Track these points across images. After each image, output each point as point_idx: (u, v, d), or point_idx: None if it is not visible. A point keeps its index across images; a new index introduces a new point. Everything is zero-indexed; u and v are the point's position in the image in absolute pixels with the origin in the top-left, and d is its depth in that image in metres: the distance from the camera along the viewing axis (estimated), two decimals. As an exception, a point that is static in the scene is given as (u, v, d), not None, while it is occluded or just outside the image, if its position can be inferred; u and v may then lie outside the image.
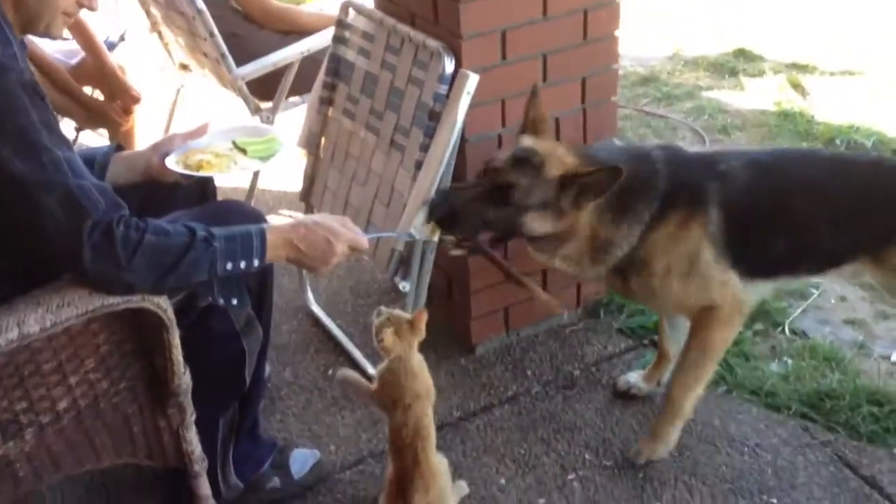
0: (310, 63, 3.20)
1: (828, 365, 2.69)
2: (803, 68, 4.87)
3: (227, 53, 3.20)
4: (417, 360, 2.09)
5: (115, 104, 3.39)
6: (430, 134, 2.35)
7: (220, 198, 2.33)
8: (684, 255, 2.16)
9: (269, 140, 2.16)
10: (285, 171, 3.48)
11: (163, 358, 1.89)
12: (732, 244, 2.16)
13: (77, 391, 1.89)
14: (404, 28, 2.48)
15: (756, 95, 4.64)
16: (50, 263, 1.70)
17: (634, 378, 2.61)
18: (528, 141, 2.18)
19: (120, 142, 3.19)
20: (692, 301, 2.20)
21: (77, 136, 3.64)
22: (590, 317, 2.94)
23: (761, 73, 4.86)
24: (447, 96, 2.33)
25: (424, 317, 2.09)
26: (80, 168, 1.68)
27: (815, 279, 2.41)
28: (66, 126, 3.57)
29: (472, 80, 2.30)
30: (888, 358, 2.76)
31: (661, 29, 5.44)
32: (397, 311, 2.12)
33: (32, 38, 2.82)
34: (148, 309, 1.78)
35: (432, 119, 2.34)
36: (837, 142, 4.05)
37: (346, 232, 1.95)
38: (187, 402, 2.00)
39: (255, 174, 3.47)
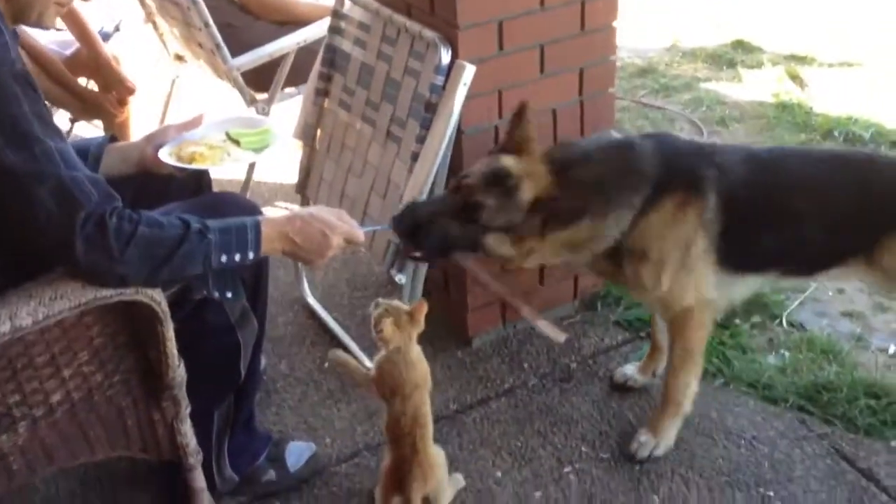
0: (305, 54, 3.19)
1: (825, 357, 2.69)
2: (802, 59, 4.87)
3: (222, 44, 3.18)
4: (416, 351, 2.09)
5: (110, 95, 3.37)
6: (426, 125, 2.34)
7: (215, 189, 2.32)
8: (679, 240, 2.15)
9: (263, 132, 2.15)
10: (281, 163, 3.47)
11: (157, 351, 1.89)
12: (724, 235, 2.15)
13: (70, 384, 1.88)
14: (400, 18, 2.46)
15: (754, 87, 4.63)
16: (43, 255, 1.69)
17: (631, 370, 2.60)
18: (507, 161, 2.14)
19: (115, 133, 3.18)
20: (674, 297, 2.20)
21: (72, 128, 3.63)
22: (587, 309, 2.93)
23: (759, 65, 4.85)
24: (443, 87, 2.32)
25: (424, 308, 2.08)
26: (72, 159, 1.66)
27: (804, 280, 2.39)
28: (61, 117, 3.56)
29: (469, 71, 2.29)
30: (886, 350, 2.75)
31: (660, 20, 5.42)
32: (396, 302, 2.11)
33: (26, 29, 2.81)
34: (142, 301, 1.77)
35: (429, 110, 2.33)
36: (836, 133, 4.04)
37: (342, 225, 1.93)
38: (182, 394, 1.99)
39: (251, 166, 3.46)
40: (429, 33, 2.35)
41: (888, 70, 4.64)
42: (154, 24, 3.62)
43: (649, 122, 4.32)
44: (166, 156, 2.03)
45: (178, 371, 1.94)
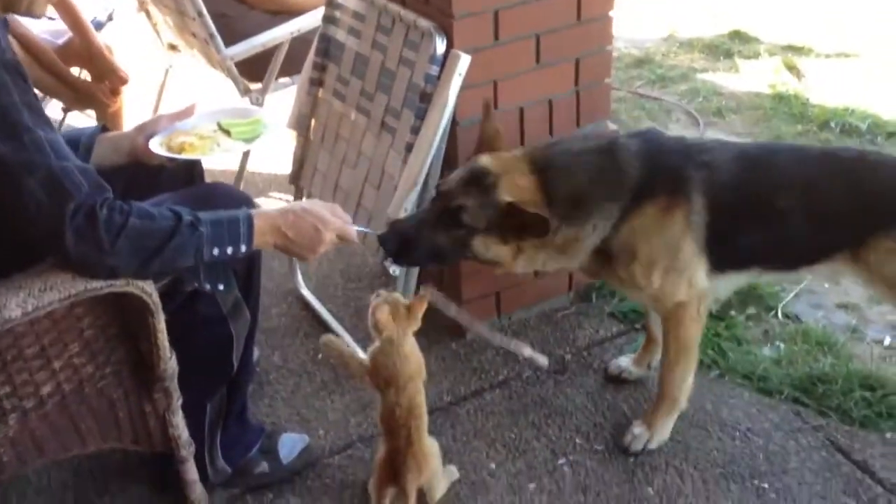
0: (300, 43, 3.17)
1: (820, 349, 2.68)
2: (799, 50, 4.86)
3: (215, 34, 3.16)
4: (410, 343, 2.08)
5: (103, 85, 3.34)
6: (421, 116, 2.32)
7: (208, 180, 2.31)
8: (667, 242, 2.14)
9: (254, 122, 2.14)
10: (275, 154, 3.46)
11: (148, 342, 1.88)
12: (712, 234, 2.14)
13: (61, 376, 1.87)
14: (395, 7, 2.44)
15: (751, 77, 4.62)
16: (33, 246, 1.68)
17: (625, 362, 2.60)
18: (483, 160, 2.12)
19: (107, 123, 3.17)
20: (666, 294, 2.18)
21: (64, 117, 3.60)
22: (581, 301, 2.92)
23: (756, 55, 4.84)
24: (438, 77, 2.30)
25: (424, 304, 2.07)
26: (62, 149, 1.65)
27: (790, 276, 2.38)
28: (54, 107, 3.54)
29: (464, 61, 2.27)
30: (881, 342, 2.75)
31: (656, 10, 5.41)
32: (397, 295, 2.10)
33: (19, 18, 2.79)
34: (132, 293, 1.76)
35: (423, 101, 2.31)
36: (832, 124, 4.03)
37: (335, 220, 1.93)
38: (173, 386, 1.99)
39: (245, 156, 3.45)
40: (424, 23, 2.33)
41: (885, 61, 4.63)
42: (147, 13, 3.60)
43: (646, 112, 4.30)
44: (157, 146, 2.02)
45: (170, 363, 1.94)
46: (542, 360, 2.34)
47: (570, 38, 2.55)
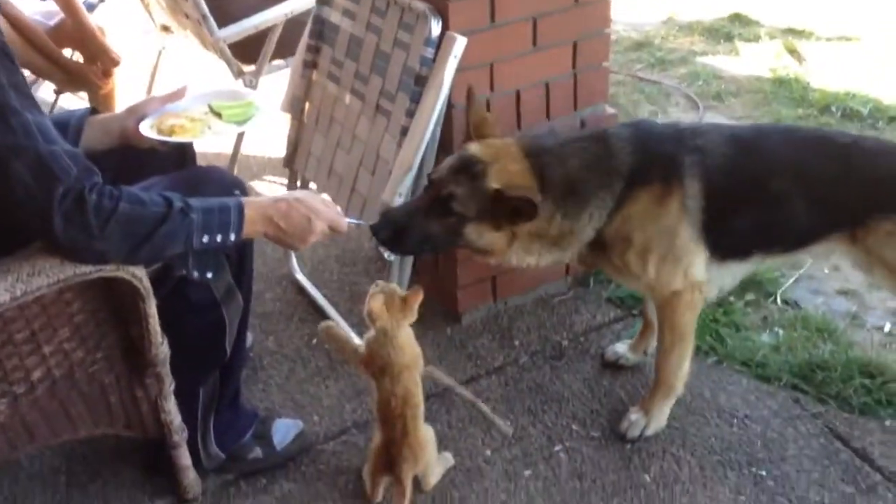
0: (293, 25, 3.14)
1: (820, 336, 2.66)
2: (799, 34, 4.83)
3: (208, 15, 3.14)
4: (404, 333, 2.06)
5: (95, 66, 3.31)
6: (416, 99, 2.29)
7: (202, 163, 2.29)
8: (661, 229, 2.12)
9: (246, 105, 2.11)
10: (269, 137, 3.42)
11: (139, 327, 1.87)
12: (709, 219, 2.12)
13: (51, 361, 1.86)
14: (390, -12, 2.41)
15: (751, 61, 4.59)
16: (21, 230, 1.66)
17: (622, 348, 2.58)
18: (472, 148, 2.10)
19: (100, 105, 3.14)
20: (662, 282, 2.17)
21: (57, 99, 3.58)
22: (579, 286, 2.90)
23: (757, 39, 4.81)
24: (434, 60, 2.27)
25: (419, 297, 2.06)
26: (50, 133, 1.63)
27: (786, 258, 2.37)
28: (46, 89, 3.51)
29: (460, 44, 2.24)
30: (881, 329, 2.73)
31: (656, -8, 5.37)
32: (393, 285, 2.10)
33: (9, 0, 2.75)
34: (122, 278, 1.75)
35: (418, 84, 2.29)
36: (833, 109, 4.00)
37: (327, 211, 1.92)
38: (165, 372, 1.98)
39: (239, 139, 3.42)
40: (419, 4, 2.30)
41: (887, 45, 4.60)
42: (140, -7, 3.57)
43: (645, 96, 4.28)
44: (147, 128, 2.00)
45: (161, 348, 1.92)
46: (507, 429, 2.32)
47: (567, 20, 2.52)
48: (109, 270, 1.71)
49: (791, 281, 2.91)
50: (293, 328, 2.79)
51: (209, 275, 1.93)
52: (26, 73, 2.55)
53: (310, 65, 2.71)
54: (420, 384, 2.08)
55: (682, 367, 2.28)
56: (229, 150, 3.46)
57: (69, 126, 2.01)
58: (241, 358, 2.25)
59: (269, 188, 3.54)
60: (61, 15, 3.33)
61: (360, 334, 2.17)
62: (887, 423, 2.36)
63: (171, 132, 1.99)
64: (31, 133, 1.58)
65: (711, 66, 4.56)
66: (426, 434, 2.11)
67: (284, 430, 2.30)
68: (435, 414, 2.39)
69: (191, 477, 2.15)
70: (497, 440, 2.34)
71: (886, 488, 2.16)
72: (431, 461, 2.15)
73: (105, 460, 2.30)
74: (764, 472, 2.22)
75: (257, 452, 2.25)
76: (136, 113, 2.06)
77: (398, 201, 2.26)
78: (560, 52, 2.56)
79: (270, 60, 3.29)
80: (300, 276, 2.98)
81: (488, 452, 2.31)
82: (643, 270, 2.15)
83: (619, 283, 2.79)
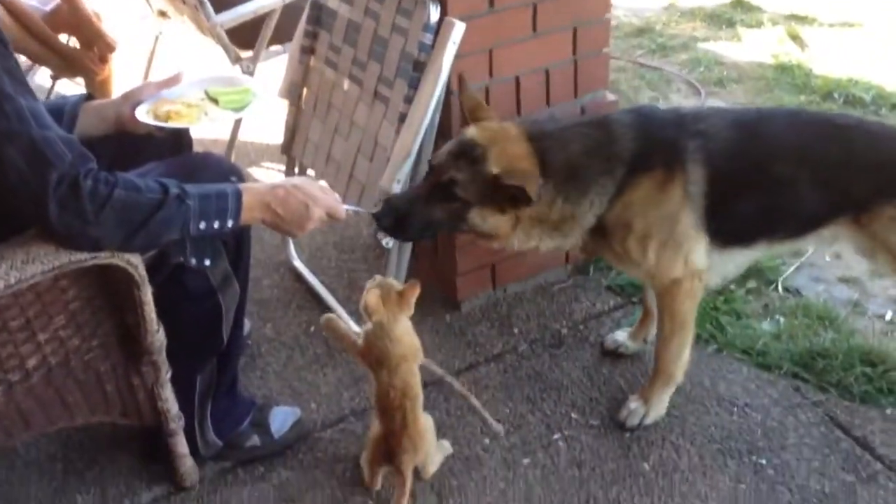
0: (291, 10, 3.11)
1: (821, 324, 2.65)
2: (802, 19, 4.81)
3: (205, 0, 3.10)
4: (403, 325, 2.05)
5: (91, 52, 3.28)
6: (414, 85, 2.27)
7: (199, 149, 2.27)
8: (663, 215, 2.11)
9: (243, 91, 2.10)
10: (267, 123, 3.40)
11: (135, 315, 1.86)
12: (711, 205, 2.11)
13: (47, 348, 1.85)
14: (388, -27, 2.39)
15: (753, 47, 4.56)
16: (16, 217, 1.64)
17: (622, 336, 2.57)
18: (470, 132, 2.09)
19: (96, 90, 3.11)
20: (662, 270, 2.15)
21: (53, 85, 3.55)
22: (579, 274, 2.89)
23: (759, 25, 4.78)
24: (432, 46, 2.25)
25: (416, 291, 2.05)
26: (44, 119, 1.62)
27: (790, 245, 2.36)
28: (43, 74, 3.48)
29: (458, 29, 2.22)
30: (883, 317, 2.72)
31: (657, -22, 5.33)
32: (391, 280, 2.09)
33: (4, -17, 2.73)
34: (118, 265, 1.74)
35: (417, 70, 2.26)
36: (835, 95, 3.98)
37: (325, 197, 1.91)
38: (162, 359, 1.97)
39: (236, 126, 3.40)
40: (417, -11, 2.27)
41: (889, 31, 4.58)
42: (137, -22, 3.54)
43: (646, 82, 4.25)
44: (143, 114, 1.98)
45: (157, 336, 1.91)
46: (497, 428, 2.30)
47: (567, 6, 2.50)
48: (104, 258, 1.70)
49: (792, 269, 2.90)
50: (291, 315, 2.78)
51: (206, 262, 1.91)
52: (22, 58, 2.53)
53: (307, 50, 2.69)
54: (418, 375, 2.07)
55: (682, 356, 2.27)
56: (226, 137, 3.44)
57: (64, 112, 2.00)
58: (238, 345, 2.24)
59: (267, 175, 3.53)
60: (57, 0, 3.31)
61: (358, 322, 2.16)
62: (888, 411, 2.35)
63: (167, 118, 1.97)
64: (24, 118, 1.57)
65: (713, 52, 4.53)
66: (425, 424, 2.10)
67: (282, 418, 2.29)
68: (433, 402, 2.38)
69: (188, 465, 2.14)
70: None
71: (887, 477, 2.16)
72: (431, 451, 2.14)
73: (102, 448, 2.29)
74: (764, 461, 2.21)
75: (255, 440, 2.25)
76: (132, 99, 2.04)
77: (396, 188, 2.24)
78: (560, 37, 2.54)
79: (268, 46, 3.26)
80: (298, 263, 2.97)
81: (487, 441, 2.30)
82: (643, 257, 2.14)
83: (619, 270, 2.78)
